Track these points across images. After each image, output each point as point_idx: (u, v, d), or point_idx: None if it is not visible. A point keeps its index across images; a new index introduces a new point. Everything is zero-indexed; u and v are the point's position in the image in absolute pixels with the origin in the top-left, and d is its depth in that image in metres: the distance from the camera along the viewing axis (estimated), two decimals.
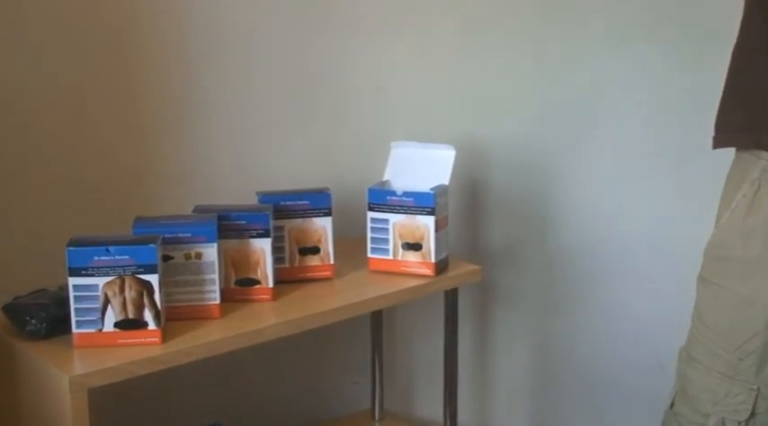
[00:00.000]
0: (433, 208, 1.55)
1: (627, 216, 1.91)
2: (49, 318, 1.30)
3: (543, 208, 1.91)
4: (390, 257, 1.58)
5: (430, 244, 1.56)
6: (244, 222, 1.43)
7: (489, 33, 1.82)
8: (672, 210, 1.89)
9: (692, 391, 1.41)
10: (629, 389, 1.94)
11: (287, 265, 1.54)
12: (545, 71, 1.85)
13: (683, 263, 1.49)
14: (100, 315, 1.27)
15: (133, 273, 1.26)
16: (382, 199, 1.57)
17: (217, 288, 1.37)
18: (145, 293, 1.27)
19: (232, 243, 1.44)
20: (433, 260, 1.57)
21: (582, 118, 1.88)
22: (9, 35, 1.47)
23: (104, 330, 1.27)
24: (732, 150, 1.39)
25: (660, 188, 1.89)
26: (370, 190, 1.58)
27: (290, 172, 1.74)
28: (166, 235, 1.33)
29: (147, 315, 1.28)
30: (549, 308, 1.96)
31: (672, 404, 1.46)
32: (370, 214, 1.58)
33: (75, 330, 1.27)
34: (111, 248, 1.26)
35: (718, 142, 1.38)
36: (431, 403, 1.86)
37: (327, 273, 1.55)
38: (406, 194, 1.56)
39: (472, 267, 1.64)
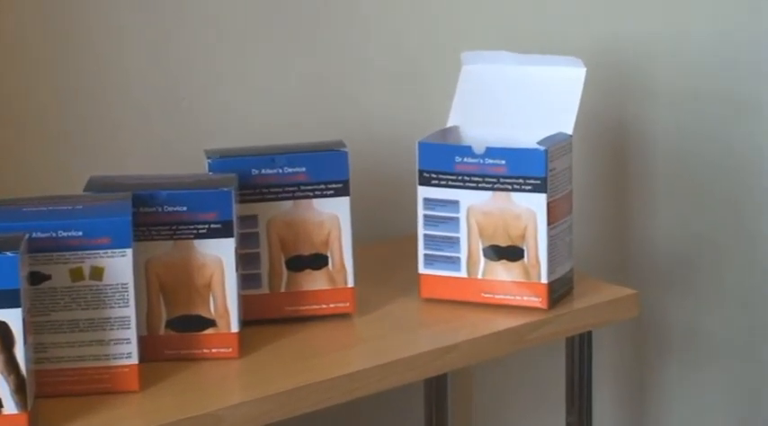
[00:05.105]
0: (545, 180, 1.53)
1: None
2: None
3: (751, 182, 1.93)
4: (463, 274, 1.58)
5: (538, 247, 1.55)
6: (183, 208, 1.43)
7: None
8: None
9: None
10: None
11: (265, 290, 1.56)
12: None
13: None
14: None
15: None
16: (447, 162, 1.57)
17: (134, 334, 1.37)
18: None
19: (161, 248, 1.43)
20: (544, 278, 1.56)
21: None
22: None
23: None
24: None
25: None
26: (423, 146, 1.58)
27: (264, 115, 1.76)
28: (36, 235, 1.33)
29: (3, 388, 1.27)
30: (760, 364, 1.97)
31: None
32: (424, 191, 1.59)
33: None
34: None
35: None
36: None
37: (342, 306, 1.57)
38: (491, 152, 1.54)
39: (621, 291, 1.64)
